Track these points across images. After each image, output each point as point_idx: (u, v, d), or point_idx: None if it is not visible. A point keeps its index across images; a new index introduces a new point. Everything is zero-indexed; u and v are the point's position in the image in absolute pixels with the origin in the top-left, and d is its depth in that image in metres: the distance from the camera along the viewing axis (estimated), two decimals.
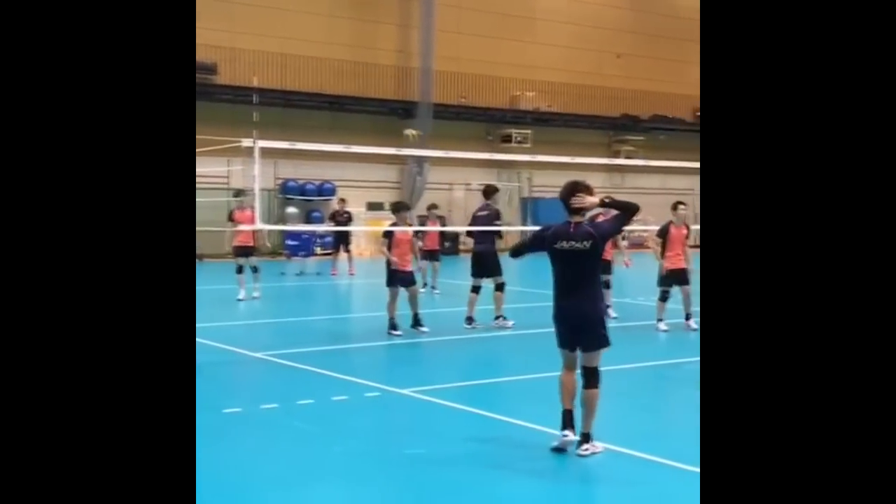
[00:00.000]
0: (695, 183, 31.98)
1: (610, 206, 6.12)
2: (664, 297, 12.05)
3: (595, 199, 6.01)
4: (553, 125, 30.51)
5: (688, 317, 12.00)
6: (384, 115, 28.16)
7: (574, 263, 5.94)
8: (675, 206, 12.33)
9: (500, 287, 12.10)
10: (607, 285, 13.20)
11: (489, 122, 30.05)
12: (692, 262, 12.23)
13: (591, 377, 5.98)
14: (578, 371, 6.08)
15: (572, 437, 5.94)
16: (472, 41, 29.45)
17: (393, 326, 11.28)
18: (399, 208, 11.85)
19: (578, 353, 6.06)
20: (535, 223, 24.89)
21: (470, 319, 11.99)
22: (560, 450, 5.97)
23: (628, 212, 6.00)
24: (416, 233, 14.62)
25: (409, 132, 24.12)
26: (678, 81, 33.70)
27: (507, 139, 29.63)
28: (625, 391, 8.01)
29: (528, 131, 29.87)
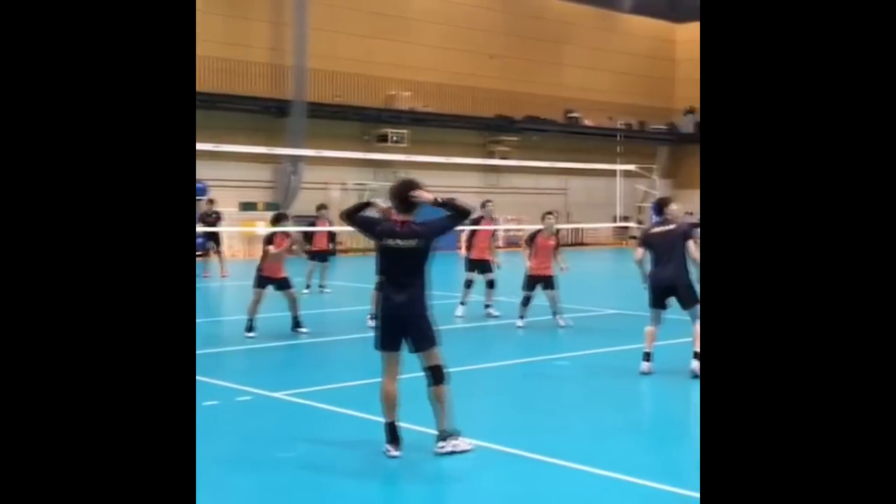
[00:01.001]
0: (565, 182, 32.78)
1: (443, 206, 6.00)
2: (526, 302, 12.13)
3: (429, 196, 5.93)
4: (429, 125, 30.60)
5: (555, 314, 12.20)
6: (258, 113, 27.60)
7: (402, 261, 5.93)
8: (543, 217, 12.44)
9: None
10: (491, 284, 13.31)
11: (365, 121, 29.86)
12: (564, 265, 12.47)
13: (437, 374, 5.94)
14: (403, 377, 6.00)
15: (394, 452, 5.86)
16: (347, 40, 29.21)
17: (249, 328, 11.12)
18: (280, 218, 12.27)
19: (400, 355, 5.96)
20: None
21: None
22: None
23: (459, 215, 6.00)
24: (306, 235, 14.75)
25: None
26: (550, 83, 34.43)
27: (384, 139, 29.52)
28: (494, 388, 8.05)
29: (405, 131, 29.86)
